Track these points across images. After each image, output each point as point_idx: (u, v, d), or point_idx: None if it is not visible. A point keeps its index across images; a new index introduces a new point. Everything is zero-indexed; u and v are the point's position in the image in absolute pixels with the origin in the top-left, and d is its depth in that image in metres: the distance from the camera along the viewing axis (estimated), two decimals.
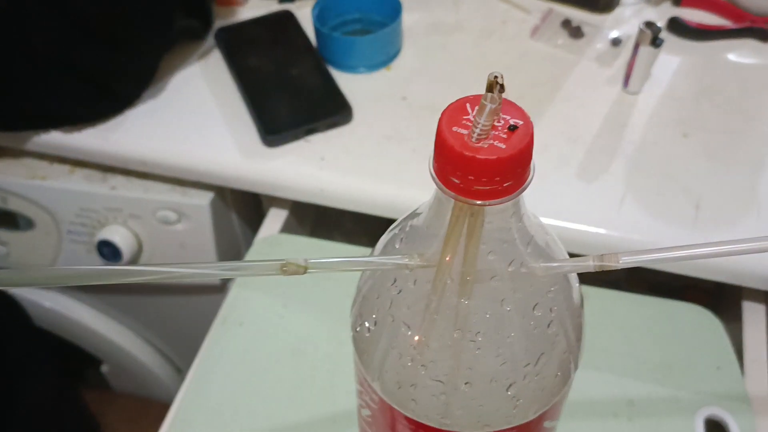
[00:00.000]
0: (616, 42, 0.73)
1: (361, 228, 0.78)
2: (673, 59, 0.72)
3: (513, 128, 0.25)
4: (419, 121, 0.66)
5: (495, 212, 0.26)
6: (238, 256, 0.75)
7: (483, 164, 0.24)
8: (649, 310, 0.59)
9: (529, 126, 0.25)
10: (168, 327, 0.91)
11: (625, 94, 0.68)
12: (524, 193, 0.27)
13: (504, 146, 0.24)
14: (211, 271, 0.25)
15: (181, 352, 0.96)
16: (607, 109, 0.67)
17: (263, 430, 0.53)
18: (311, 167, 0.63)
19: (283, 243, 0.64)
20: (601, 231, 0.58)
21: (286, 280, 0.62)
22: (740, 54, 0.72)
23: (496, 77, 0.24)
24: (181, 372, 0.99)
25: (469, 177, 0.25)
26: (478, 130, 0.24)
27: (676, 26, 0.73)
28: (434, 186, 0.28)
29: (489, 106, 0.24)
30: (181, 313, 0.85)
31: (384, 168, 0.62)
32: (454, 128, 0.25)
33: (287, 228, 0.67)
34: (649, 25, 0.63)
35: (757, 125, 0.65)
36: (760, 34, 0.72)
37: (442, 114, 0.25)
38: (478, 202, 0.25)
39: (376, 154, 0.64)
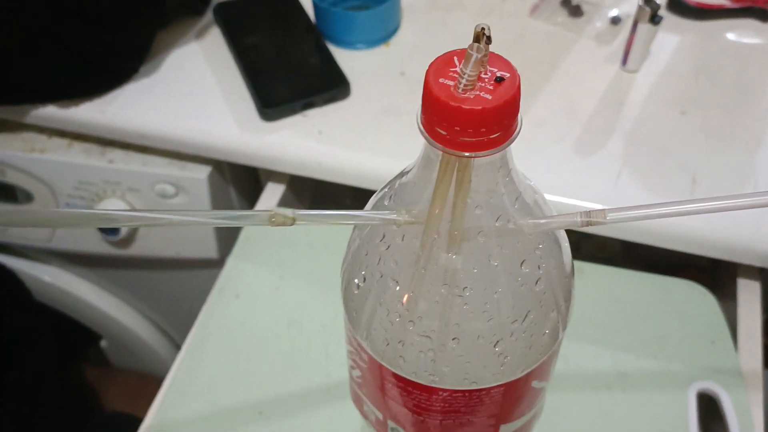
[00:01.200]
0: (615, 20, 0.73)
1: (360, 205, 0.78)
2: (672, 38, 0.71)
3: (500, 80, 0.25)
4: (417, 96, 0.65)
5: (482, 165, 0.27)
6: (236, 231, 0.75)
7: (469, 114, 0.24)
8: (644, 285, 0.60)
9: (515, 78, 0.25)
10: (166, 303, 0.91)
11: (624, 72, 0.68)
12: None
13: (490, 97, 0.24)
14: (201, 219, 0.25)
15: (180, 327, 0.96)
16: (605, 87, 0.67)
17: (258, 401, 0.53)
18: (309, 141, 0.63)
19: None
20: (597, 206, 0.57)
21: (283, 251, 0.63)
22: (740, 34, 0.72)
23: (483, 28, 0.24)
24: (179, 348, 0.99)
25: (456, 128, 0.25)
26: (464, 81, 0.24)
27: (676, 5, 0.73)
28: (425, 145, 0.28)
29: (475, 56, 0.24)
30: (179, 289, 0.86)
31: (381, 142, 0.62)
32: (441, 80, 0.25)
33: (284, 203, 0.67)
34: (648, 1, 0.63)
35: (755, 103, 0.65)
36: (760, 13, 0.72)
37: (430, 66, 0.26)
38: (465, 153, 0.25)
39: (373, 128, 0.64)
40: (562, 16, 0.74)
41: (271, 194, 0.67)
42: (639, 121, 0.64)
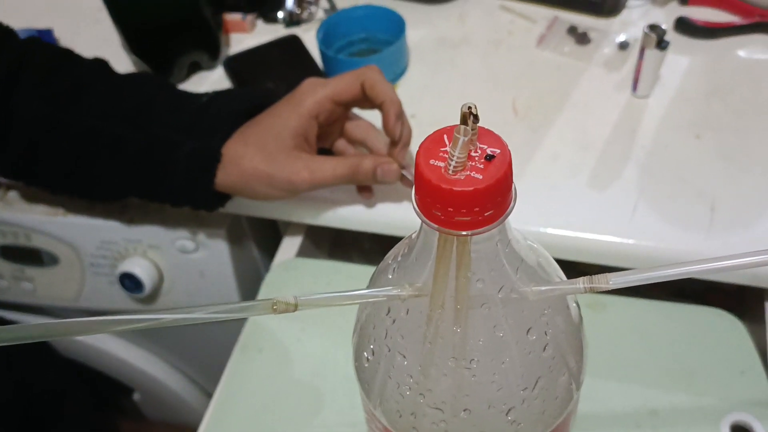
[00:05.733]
0: (623, 45, 0.73)
1: (380, 247, 0.78)
2: (682, 60, 0.71)
3: (490, 158, 0.25)
4: None
5: (481, 240, 0.27)
6: (258, 281, 0.76)
7: (460, 196, 0.24)
8: (670, 316, 0.59)
9: (506, 154, 0.25)
10: (195, 353, 0.92)
11: (635, 99, 0.68)
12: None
13: (481, 177, 0.24)
14: (202, 315, 0.26)
15: (209, 376, 0.97)
16: (617, 115, 0.67)
17: None
18: (323, 190, 0.63)
19: (300, 267, 0.65)
20: (615, 239, 0.57)
21: None
22: (751, 50, 0.71)
23: (469, 108, 0.24)
24: (210, 396, 1.00)
25: (449, 209, 0.25)
26: (453, 163, 0.24)
27: (684, 26, 0.72)
28: None
29: (462, 139, 0.24)
30: (206, 339, 0.86)
31: (395, 187, 0.63)
32: (432, 161, 0.25)
33: (304, 252, 0.68)
34: (653, 28, 0.63)
35: None
36: None
37: (420, 147, 0.26)
38: (462, 232, 0.25)
39: None
40: (570, 44, 0.74)
41: (290, 245, 0.67)
42: (653, 148, 0.63)
